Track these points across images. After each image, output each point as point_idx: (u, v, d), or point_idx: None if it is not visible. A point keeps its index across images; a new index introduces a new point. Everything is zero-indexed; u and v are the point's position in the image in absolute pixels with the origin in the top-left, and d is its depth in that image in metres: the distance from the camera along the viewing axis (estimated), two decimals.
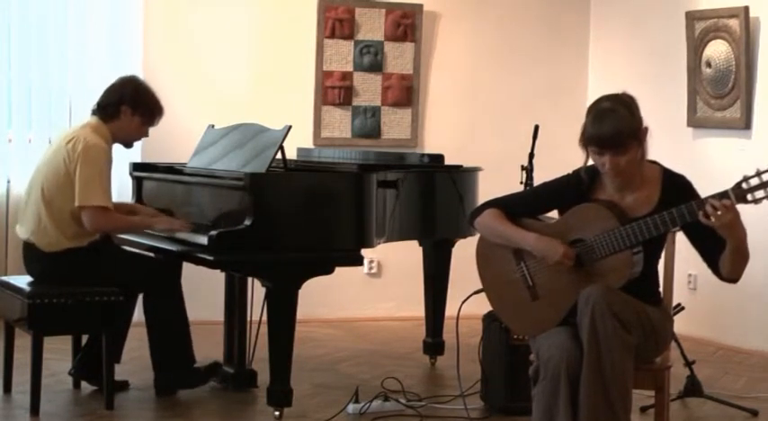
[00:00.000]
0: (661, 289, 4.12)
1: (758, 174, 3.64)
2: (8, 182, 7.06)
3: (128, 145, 5.48)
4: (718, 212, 3.65)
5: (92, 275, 5.17)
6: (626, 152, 3.85)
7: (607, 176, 3.94)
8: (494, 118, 8.09)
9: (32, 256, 5.26)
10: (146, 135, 5.47)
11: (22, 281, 5.25)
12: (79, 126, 5.38)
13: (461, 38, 8.06)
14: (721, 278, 3.93)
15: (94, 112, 5.36)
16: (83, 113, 6.92)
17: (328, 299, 7.46)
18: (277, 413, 4.96)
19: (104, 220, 5.16)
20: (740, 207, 3.70)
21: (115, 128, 5.32)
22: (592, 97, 4.07)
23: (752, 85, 6.89)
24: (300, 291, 4.92)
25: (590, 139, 3.87)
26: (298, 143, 6.72)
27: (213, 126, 5.88)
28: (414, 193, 5.72)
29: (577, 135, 3.94)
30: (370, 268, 7.84)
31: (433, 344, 6.33)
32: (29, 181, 5.38)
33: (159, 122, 5.48)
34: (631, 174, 3.92)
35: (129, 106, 5.32)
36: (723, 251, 3.84)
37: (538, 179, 5.18)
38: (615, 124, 3.83)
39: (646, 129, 3.91)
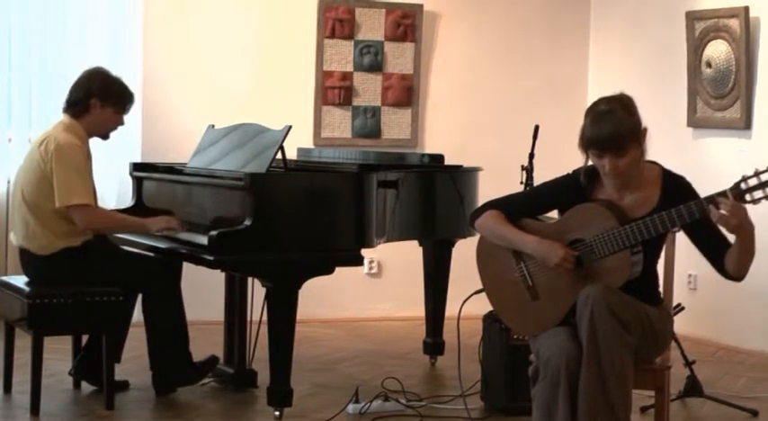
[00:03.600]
0: (661, 289, 4.12)
1: (756, 174, 3.64)
2: (8, 182, 7.05)
3: (104, 137, 5.42)
4: (724, 210, 3.65)
5: (89, 275, 5.15)
6: (626, 153, 3.85)
7: (607, 177, 3.94)
8: (494, 118, 8.09)
9: (27, 261, 5.25)
10: (121, 123, 5.40)
11: (22, 281, 5.24)
12: (51, 126, 5.34)
13: (461, 38, 8.06)
14: (727, 276, 3.92)
15: (65, 110, 5.31)
16: None
17: (328, 299, 7.46)
18: (277, 413, 4.96)
19: (89, 217, 5.13)
20: None
21: (88, 123, 5.27)
22: (592, 97, 4.07)
23: (752, 85, 6.89)
24: (300, 291, 4.91)
25: (590, 142, 3.87)
26: (298, 143, 6.72)
27: (213, 126, 5.88)
28: (414, 193, 5.72)
29: (577, 135, 3.95)
30: (370, 268, 7.85)
31: (433, 344, 6.33)
32: (12, 188, 5.35)
33: (131, 109, 5.42)
34: (631, 175, 3.92)
35: (99, 99, 5.26)
36: (727, 249, 3.84)
37: (538, 179, 5.18)
38: (614, 126, 3.83)
39: (645, 129, 3.91)
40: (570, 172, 4.10)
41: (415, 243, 6.25)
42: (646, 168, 3.97)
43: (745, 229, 3.74)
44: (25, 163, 5.28)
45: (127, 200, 6.18)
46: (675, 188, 3.94)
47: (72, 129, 5.24)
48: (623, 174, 3.89)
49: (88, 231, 5.20)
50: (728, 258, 3.86)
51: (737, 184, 3.66)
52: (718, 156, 7.08)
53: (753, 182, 3.64)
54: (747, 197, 3.65)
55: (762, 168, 3.64)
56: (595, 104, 3.92)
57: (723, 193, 3.69)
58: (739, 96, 6.94)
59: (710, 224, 3.85)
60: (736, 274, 3.90)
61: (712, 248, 3.91)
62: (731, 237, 3.84)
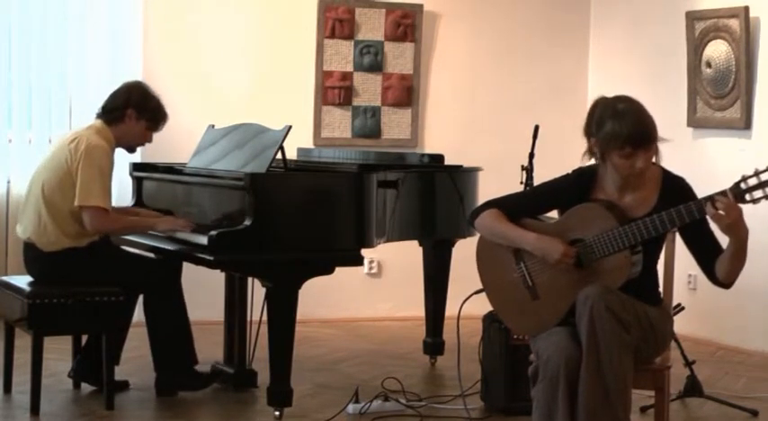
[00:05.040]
0: (661, 289, 4.12)
1: (756, 174, 3.64)
2: (8, 182, 7.06)
3: (131, 149, 5.51)
4: (721, 212, 3.65)
5: (91, 275, 5.17)
6: (653, 148, 3.86)
7: (619, 176, 3.91)
8: (494, 118, 8.09)
9: (32, 256, 5.26)
10: (149, 140, 5.49)
11: (22, 281, 5.25)
12: (83, 128, 5.39)
13: (461, 38, 8.06)
14: (716, 282, 3.92)
15: (99, 116, 5.38)
16: (83, 113, 6.93)
17: (328, 299, 7.46)
18: (277, 413, 4.96)
19: (103, 221, 5.17)
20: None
21: (119, 131, 5.34)
22: (592, 97, 4.05)
23: (752, 85, 6.89)
24: (300, 291, 4.92)
25: (626, 139, 3.81)
26: (298, 143, 6.72)
27: (213, 126, 5.89)
28: (414, 193, 5.72)
29: (576, 134, 3.94)
30: (370, 268, 7.85)
31: (433, 344, 6.33)
32: (29, 180, 5.39)
33: (163, 129, 5.50)
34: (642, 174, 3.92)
35: (135, 110, 5.34)
36: (719, 255, 3.84)
37: (538, 179, 5.18)
38: (647, 120, 3.84)
39: None
40: (570, 172, 4.10)
41: (415, 243, 6.25)
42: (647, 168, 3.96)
43: (739, 232, 3.73)
44: (50, 159, 5.29)
45: (126, 200, 6.18)
46: (674, 189, 3.94)
47: (103, 133, 5.29)
48: (645, 170, 3.88)
49: (96, 233, 5.22)
50: (719, 263, 3.86)
51: (737, 184, 3.66)
52: (718, 156, 7.08)
53: (752, 181, 3.64)
54: (747, 197, 3.65)
55: (761, 168, 3.64)
56: (610, 103, 3.87)
57: (723, 193, 3.69)
58: (739, 96, 6.94)
59: (706, 227, 3.86)
60: (726, 280, 3.89)
61: (705, 252, 3.90)
62: (724, 244, 3.84)
